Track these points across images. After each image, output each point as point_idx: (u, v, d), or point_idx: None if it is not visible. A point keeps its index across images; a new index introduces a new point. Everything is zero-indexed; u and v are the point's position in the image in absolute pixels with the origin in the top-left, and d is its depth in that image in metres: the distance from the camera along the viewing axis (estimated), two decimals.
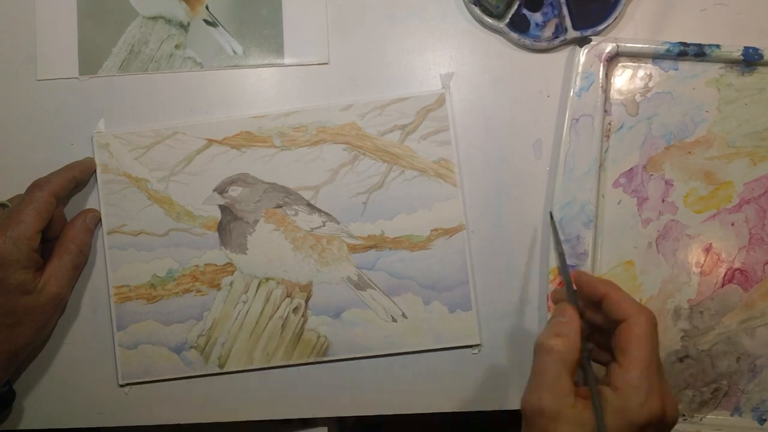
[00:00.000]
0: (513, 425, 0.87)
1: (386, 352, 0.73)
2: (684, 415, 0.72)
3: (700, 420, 0.72)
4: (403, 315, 0.73)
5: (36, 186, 0.70)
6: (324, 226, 0.73)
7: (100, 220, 0.74)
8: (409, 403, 0.73)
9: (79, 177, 0.73)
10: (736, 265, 0.72)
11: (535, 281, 0.73)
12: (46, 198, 0.69)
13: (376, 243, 0.73)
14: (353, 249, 0.73)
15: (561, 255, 0.68)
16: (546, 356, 0.58)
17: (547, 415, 0.56)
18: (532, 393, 0.58)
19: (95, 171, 0.74)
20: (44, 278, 0.69)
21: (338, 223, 0.73)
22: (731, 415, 0.72)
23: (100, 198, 0.74)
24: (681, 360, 0.72)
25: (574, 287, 0.64)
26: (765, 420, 0.72)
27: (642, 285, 0.72)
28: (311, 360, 0.73)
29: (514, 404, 0.73)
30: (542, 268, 0.73)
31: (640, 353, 0.57)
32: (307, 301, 0.73)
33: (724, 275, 0.72)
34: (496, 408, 0.73)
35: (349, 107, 0.74)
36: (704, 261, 0.72)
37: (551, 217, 0.71)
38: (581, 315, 0.61)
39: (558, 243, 0.69)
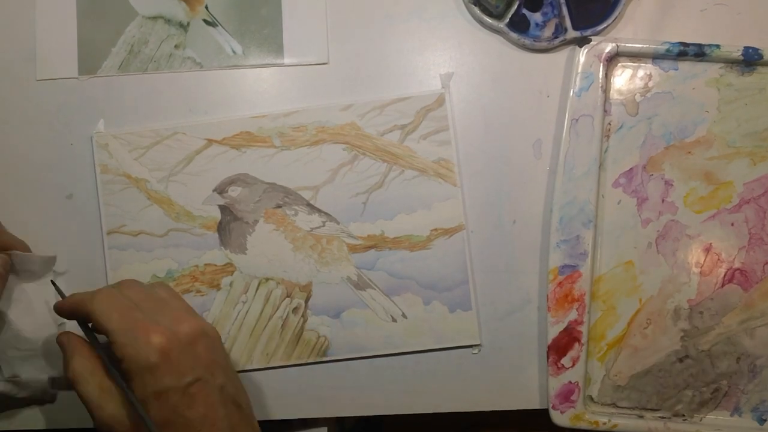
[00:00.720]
0: (513, 425, 0.87)
1: (386, 352, 0.73)
2: (684, 415, 0.72)
3: (700, 420, 0.72)
4: (403, 315, 0.73)
5: None
6: (324, 226, 0.73)
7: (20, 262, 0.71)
8: (409, 403, 0.73)
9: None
10: (736, 265, 0.72)
11: (535, 281, 0.73)
12: None
13: (376, 243, 0.73)
14: (353, 249, 0.73)
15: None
16: (76, 387, 0.60)
17: (114, 425, 0.58)
18: (93, 417, 0.59)
19: (9, 262, 0.70)
20: None
21: (338, 223, 0.73)
22: (731, 415, 0.72)
23: (99, 198, 0.74)
24: (681, 360, 0.72)
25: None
26: (765, 420, 0.72)
27: (642, 285, 0.72)
28: (311, 360, 0.73)
29: (514, 404, 0.73)
30: (542, 268, 0.73)
31: (109, 323, 0.58)
32: (306, 301, 0.73)
33: (724, 275, 0.72)
34: (496, 408, 0.73)
35: (349, 107, 0.74)
36: (704, 261, 0.72)
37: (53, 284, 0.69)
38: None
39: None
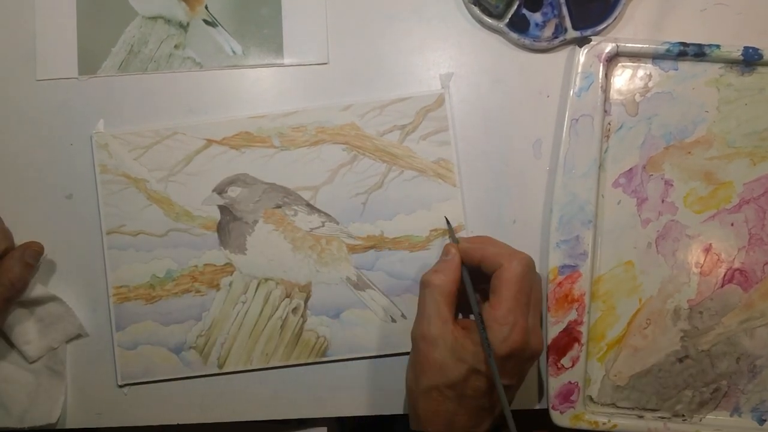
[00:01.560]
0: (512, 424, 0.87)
1: (385, 353, 0.73)
2: (683, 416, 0.72)
3: (700, 420, 0.72)
4: (403, 315, 0.73)
5: None
6: (323, 226, 0.73)
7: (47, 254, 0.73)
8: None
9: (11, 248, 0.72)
10: (736, 265, 0.72)
11: None
12: None
13: (376, 243, 0.73)
14: (352, 249, 0.73)
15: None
16: (425, 290, 0.66)
17: (428, 341, 0.64)
18: (416, 323, 0.66)
19: (41, 252, 0.72)
20: None
21: (337, 223, 0.73)
22: (731, 415, 0.72)
23: (99, 198, 0.74)
24: (681, 360, 0.72)
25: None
26: (764, 420, 0.72)
27: (642, 285, 0.72)
28: (310, 360, 0.73)
29: (514, 404, 0.72)
30: (542, 267, 0.73)
31: (507, 293, 0.63)
32: (306, 301, 0.73)
33: (724, 275, 0.72)
34: None
35: (349, 107, 0.74)
36: (704, 261, 0.72)
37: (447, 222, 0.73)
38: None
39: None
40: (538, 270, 0.73)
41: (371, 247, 0.73)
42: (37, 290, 0.72)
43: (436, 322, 0.64)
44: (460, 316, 0.71)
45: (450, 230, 0.72)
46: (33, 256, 0.71)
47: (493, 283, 0.65)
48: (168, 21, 0.76)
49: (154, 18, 0.76)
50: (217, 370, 0.73)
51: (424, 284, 0.66)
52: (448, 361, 0.63)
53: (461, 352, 0.63)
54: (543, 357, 0.72)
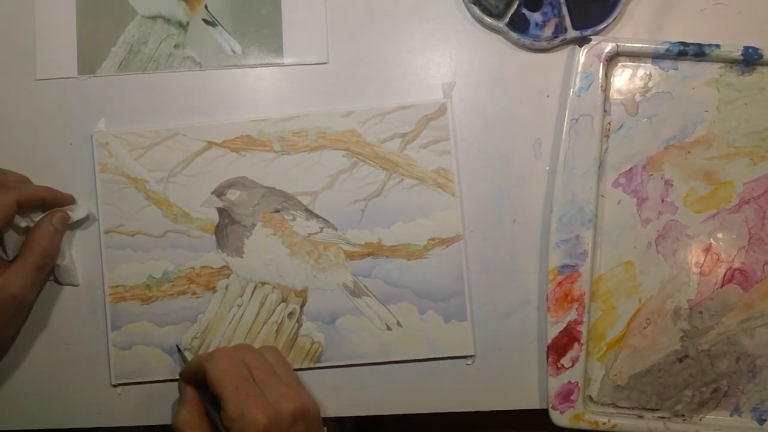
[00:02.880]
0: (513, 425, 0.87)
1: (380, 360, 0.73)
2: (683, 415, 0.72)
3: (700, 420, 0.72)
4: (398, 323, 0.73)
5: (3, 187, 0.69)
6: (321, 232, 0.73)
7: (77, 220, 0.74)
8: (408, 403, 0.73)
9: (50, 201, 0.72)
10: (736, 265, 0.72)
11: (535, 281, 0.73)
12: (10, 202, 0.68)
13: (373, 251, 0.73)
14: (350, 256, 0.73)
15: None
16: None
17: None
18: None
19: (67, 218, 0.73)
20: (4, 278, 0.67)
21: (336, 229, 0.73)
22: (731, 415, 0.72)
23: (98, 197, 0.74)
24: (680, 360, 0.72)
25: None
26: (764, 420, 0.72)
27: (641, 285, 0.72)
28: (304, 366, 0.73)
29: (514, 404, 0.73)
30: (542, 268, 0.73)
31: (223, 390, 0.62)
32: (302, 306, 0.73)
33: (724, 275, 0.72)
34: (496, 408, 0.73)
35: (350, 114, 0.74)
36: (704, 261, 0.72)
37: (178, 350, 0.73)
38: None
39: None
40: (537, 269, 0.73)
41: (369, 255, 0.73)
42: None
43: None
44: None
45: (181, 357, 0.73)
46: (61, 222, 0.72)
47: (212, 391, 0.63)
48: (168, 20, 0.76)
49: (154, 17, 0.76)
50: None
51: (175, 430, 0.65)
52: None
53: None
54: (543, 357, 0.72)
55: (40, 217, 0.71)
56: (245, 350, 0.66)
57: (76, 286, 0.74)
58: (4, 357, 0.74)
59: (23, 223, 0.71)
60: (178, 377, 0.70)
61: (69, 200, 0.73)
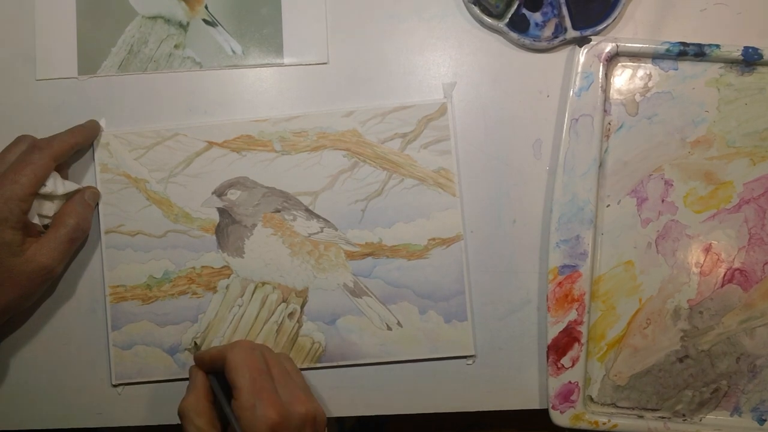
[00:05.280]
0: (513, 425, 0.87)
1: (380, 360, 0.73)
2: (684, 415, 0.72)
3: (700, 420, 0.72)
4: (399, 323, 0.73)
5: (36, 147, 0.69)
6: (322, 232, 0.73)
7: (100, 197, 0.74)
8: (409, 403, 0.73)
9: (82, 142, 0.73)
10: (736, 265, 0.72)
11: (535, 281, 0.73)
12: (45, 161, 0.68)
13: (374, 251, 0.73)
14: (350, 256, 0.73)
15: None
16: (183, 420, 0.65)
17: None
18: None
19: (99, 134, 0.74)
20: (36, 247, 0.68)
21: (336, 229, 0.73)
22: (731, 415, 0.72)
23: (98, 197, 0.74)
24: (681, 360, 0.72)
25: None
26: (765, 420, 0.72)
27: (641, 285, 0.72)
28: (305, 366, 0.73)
29: (514, 404, 0.73)
30: (542, 268, 0.73)
31: (241, 379, 0.62)
32: (302, 306, 0.73)
33: (724, 275, 0.72)
34: (496, 408, 0.73)
35: (351, 114, 0.74)
36: (704, 261, 0.72)
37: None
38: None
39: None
40: (537, 270, 0.73)
41: (369, 255, 0.73)
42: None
43: None
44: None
45: (193, 347, 0.73)
46: (93, 198, 0.73)
47: (228, 378, 0.63)
48: (168, 21, 0.76)
49: (154, 18, 0.76)
50: None
51: (180, 416, 0.65)
52: None
53: None
54: (543, 357, 0.72)
55: (62, 182, 0.71)
56: (265, 348, 0.67)
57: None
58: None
59: (49, 189, 0.70)
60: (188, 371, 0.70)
61: (96, 128, 0.74)
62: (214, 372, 0.66)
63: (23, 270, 0.67)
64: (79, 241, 0.72)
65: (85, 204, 0.72)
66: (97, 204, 0.74)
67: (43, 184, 0.68)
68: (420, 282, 0.73)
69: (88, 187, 0.73)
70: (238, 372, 0.62)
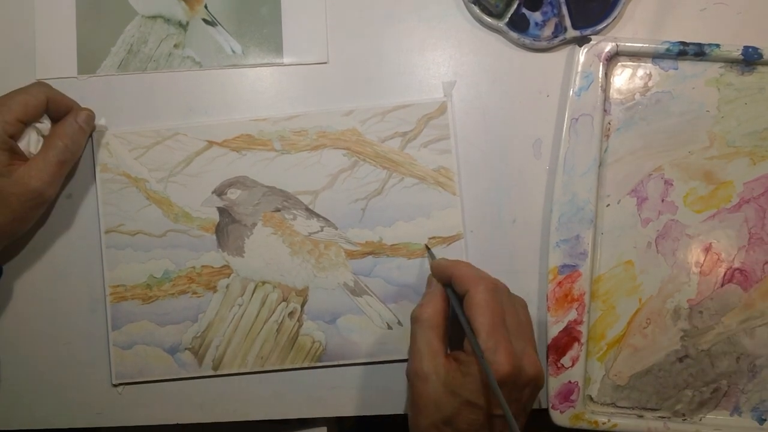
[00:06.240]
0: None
1: (381, 359, 0.73)
2: (683, 415, 0.72)
3: (700, 420, 0.72)
4: (399, 322, 0.73)
5: (38, 82, 0.71)
6: (322, 231, 0.73)
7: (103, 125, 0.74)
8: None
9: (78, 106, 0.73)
10: (736, 264, 0.72)
11: (535, 281, 0.73)
12: (40, 95, 0.69)
13: (374, 249, 0.73)
14: (351, 255, 0.73)
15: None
16: (414, 325, 0.65)
17: (420, 377, 0.63)
18: (409, 360, 0.65)
19: (93, 117, 0.73)
20: (24, 169, 0.67)
21: (336, 228, 0.73)
22: (731, 414, 0.72)
23: (98, 197, 0.74)
24: (681, 360, 0.72)
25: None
26: (764, 420, 0.72)
27: (641, 285, 0.72)
28: (305, 365, 0.73)
29: None
30: (541, 267, 0.73)
31: (481, 318, 0.61)
32: (302, 305, 0.73)
33: (724, 275, 0.72)
34: None
35: (350, 113, 0.74)
36: (704, 261, 0.72)
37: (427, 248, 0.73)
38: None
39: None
40: (537, 269, 0.73)
41: (369, 254, 0.73)
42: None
43: (427, 356, 0.63)
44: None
45: (429, 253, 0.72)
46: (86, 121, 0.72)
47: (466, 311, 0.63)
48: (167, 20, 0.76)
49: (154, 17, 0.76)
50: (211, 372, 0.73)
51: (414, 320, 0.65)
52: (441, 395, 0.62)
53: (453, 385, 0.61)
54: (543, 357, 0.71)
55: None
56: (505, 291, 0.66)
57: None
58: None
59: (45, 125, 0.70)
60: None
61: (92, 116, 0.73)
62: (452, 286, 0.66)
63: (12, 192, 0.67)
64: (70, 164, 0.71)
65: (76, 126, 0.71)
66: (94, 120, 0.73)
67: (36, 118, 0.69)
68: (420, 281, 0.73)
69: (83, 110, 0.72)
70: (479, 311, 0.62)
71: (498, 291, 0.64)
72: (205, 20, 0.76)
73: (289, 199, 0.74)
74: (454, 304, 0.65)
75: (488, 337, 0.60)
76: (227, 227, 0.74)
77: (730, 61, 0.72)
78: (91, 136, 0.74)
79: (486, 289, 0.63)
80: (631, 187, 0.73)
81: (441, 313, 0.65)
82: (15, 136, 0.68)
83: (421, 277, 0.72)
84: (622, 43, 0.72)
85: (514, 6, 0.73)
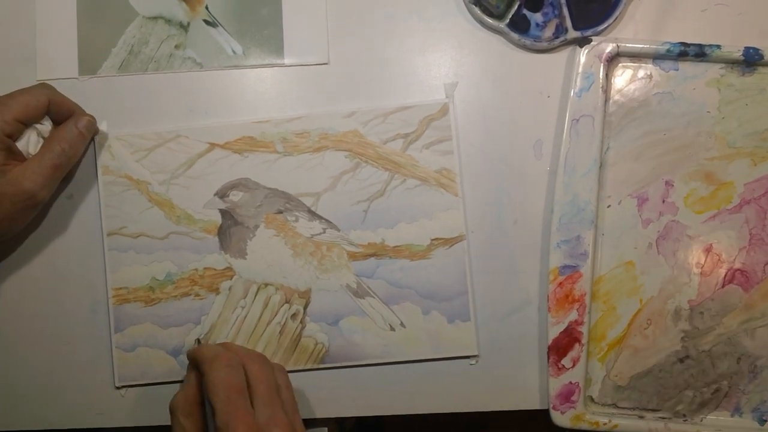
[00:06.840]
0: (513, 425, 0.87)
1: (383, 361, 0.73)
2: (684, 416, 0.72)
3: (701, 420, 0.72)
4: (402, 324, 0.73)
5: (41, 84, 0.71)
6: (324, 233, 0.73)
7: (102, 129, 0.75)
8: (409, 403, 0.73)
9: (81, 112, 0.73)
10: (737, 265, 0.72)
11: (536, 281, 0.73)
12: (41, 96, 0.69)
13: (376, 251, 0.73)
14: (353, 257, 0.73)
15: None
16: (171, 415, 0.64)
17: None
18: None
19: (94, 123, 0.73)
20: (19, 170, 0.67)
21: (338, 230, 0.73)
22: (731, 415, 0.72)
23: (100, 199, 0.74)
24: (681, 360, 0.72)
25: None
26: (765, 421, 0.72)
27: (642, 285, 0.72)
28: (308, 367, 0.73)
29: (514, 404, 0.73)
30: (542, 268, 0.73)
31: (215, 398, 0.60)
32: (305, 307, 0.73)
33: (725, 276, 0.72)
34: (497, 408, 0.73)
35: (352, 114, 0.74)
36: (704, 261, 0.72)
37: None
38: None
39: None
40: (538, 270, 0.73)
41: (372, 255, 0.73)
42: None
43: None
44: None
45: (196, 343, 0.73)
46: (86, 127, 0.72)
47: (205, 396, 0.62)
48: (168, 21, 0.76)
49: (155, 18, 0.76)
50: None
51: (170, 411, 0.64)
52: None
53: None
54: (543, 357, 0.72)
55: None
56: (255, 361, 0.65)
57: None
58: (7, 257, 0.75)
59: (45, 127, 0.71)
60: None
61: (93, 122, 0.73)
62: None
63: (5, 191, 0.67)
64: (66, 169, 0.71)
65: (75, 132, 0.71)
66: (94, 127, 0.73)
67: (36, 119, 0.69)
68: (423, 282, 0.73)
69: (85, 115, 0.72)
70: (213, 391, 0.61)
71: (238, 364, 0.63)
72: (206, 21, 0.76)
73: (292, 201, 0.74)
74: (203, 387, 0.64)
75: (222, 414, 0.59)
76: (230, 229, 0.74)
77: (731, 62, 0.72)
78: (92, 140, 0.74)
79: (220, 366, 0.62)
80: (631, 187, 0.73)
81: (193, 399, 0.64)
82: (13, 136, 0.68)
83: (423, 279, 0.72)
84: (623, 44, 0.72)
85: (515, 7, 0.73)
